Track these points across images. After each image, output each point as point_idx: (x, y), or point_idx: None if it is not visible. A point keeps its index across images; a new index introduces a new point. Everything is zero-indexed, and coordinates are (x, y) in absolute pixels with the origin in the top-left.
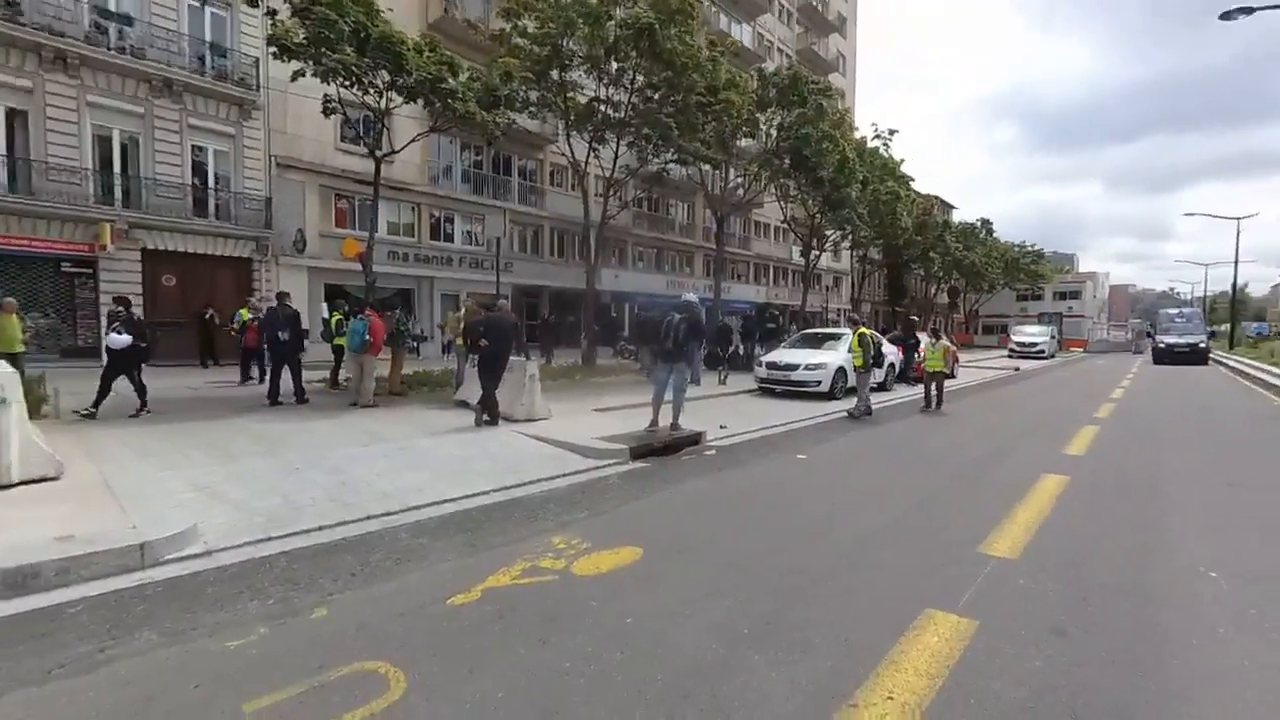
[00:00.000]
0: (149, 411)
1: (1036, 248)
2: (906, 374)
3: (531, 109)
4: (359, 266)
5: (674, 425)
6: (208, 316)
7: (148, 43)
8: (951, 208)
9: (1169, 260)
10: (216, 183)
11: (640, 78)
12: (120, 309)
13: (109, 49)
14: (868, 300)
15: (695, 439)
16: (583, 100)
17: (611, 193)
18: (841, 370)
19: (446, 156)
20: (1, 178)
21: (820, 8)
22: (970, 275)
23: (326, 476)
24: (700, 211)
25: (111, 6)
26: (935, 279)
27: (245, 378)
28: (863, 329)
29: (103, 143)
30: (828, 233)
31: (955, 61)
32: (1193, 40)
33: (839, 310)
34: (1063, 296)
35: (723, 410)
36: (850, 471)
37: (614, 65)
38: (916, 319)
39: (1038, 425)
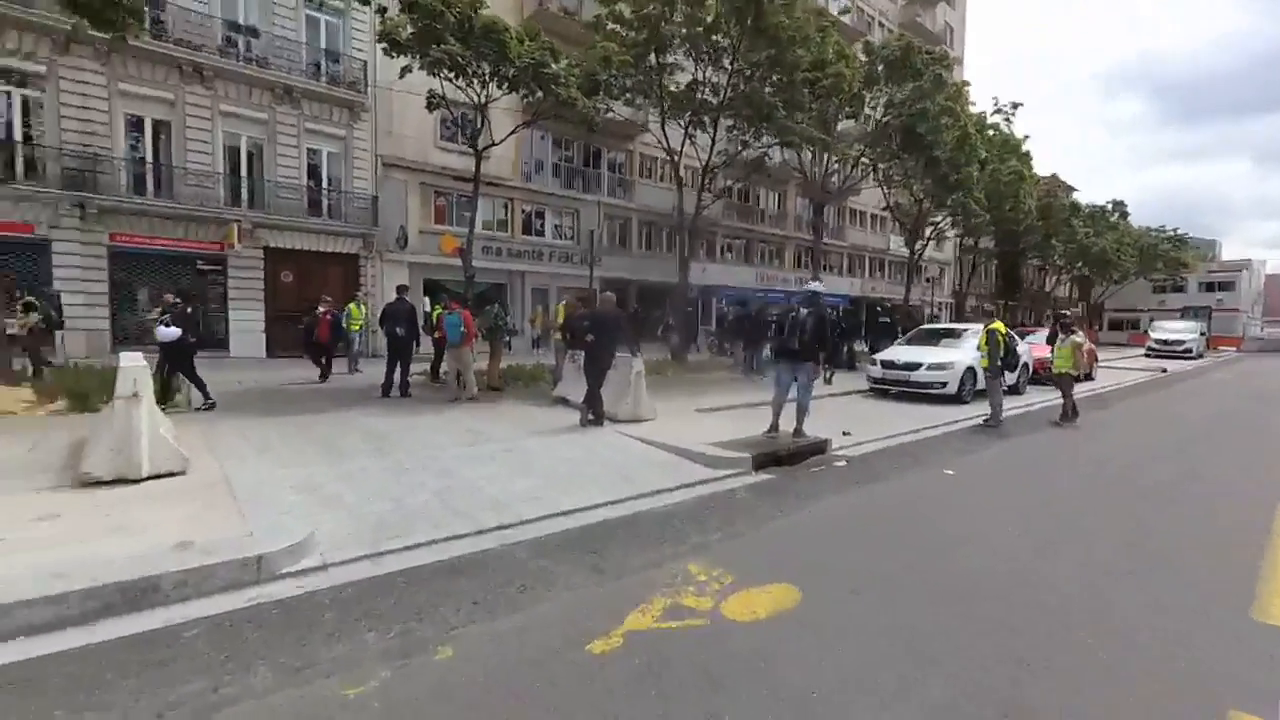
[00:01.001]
0: (213, 406)
1: (1179, 232)
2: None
3: (629, 95)
4: (456, 261)
5: (797, 431)
6: (320, 312)
7: (270, 52)
8: (1072, 189)
9: None
10: (329, 183)
11: (741, 57)
12: (177, 301)
13: (239, 60)
14: (973, 294)
15: (820, 447)
16: (679, 85)
17: (707, 181)
18: (971, 371)
19: (538, 152)
20: (149, 184)
21: None
22: (1099, 265)
23: (435, 479)
24: (792, 200)
25: (240, 20)
26: (1055, 269)
27: (323, 375)
28: (996, 324)
29: (231, 149)
30: (935, 219)
31: (1071, 29)
32: None
33: (940, 304)
34: (1210, 288)
35: (836, 413)
36: (1013, 493)
37: (714, 43)
38: (1068, 315)
39: (1227, 441)
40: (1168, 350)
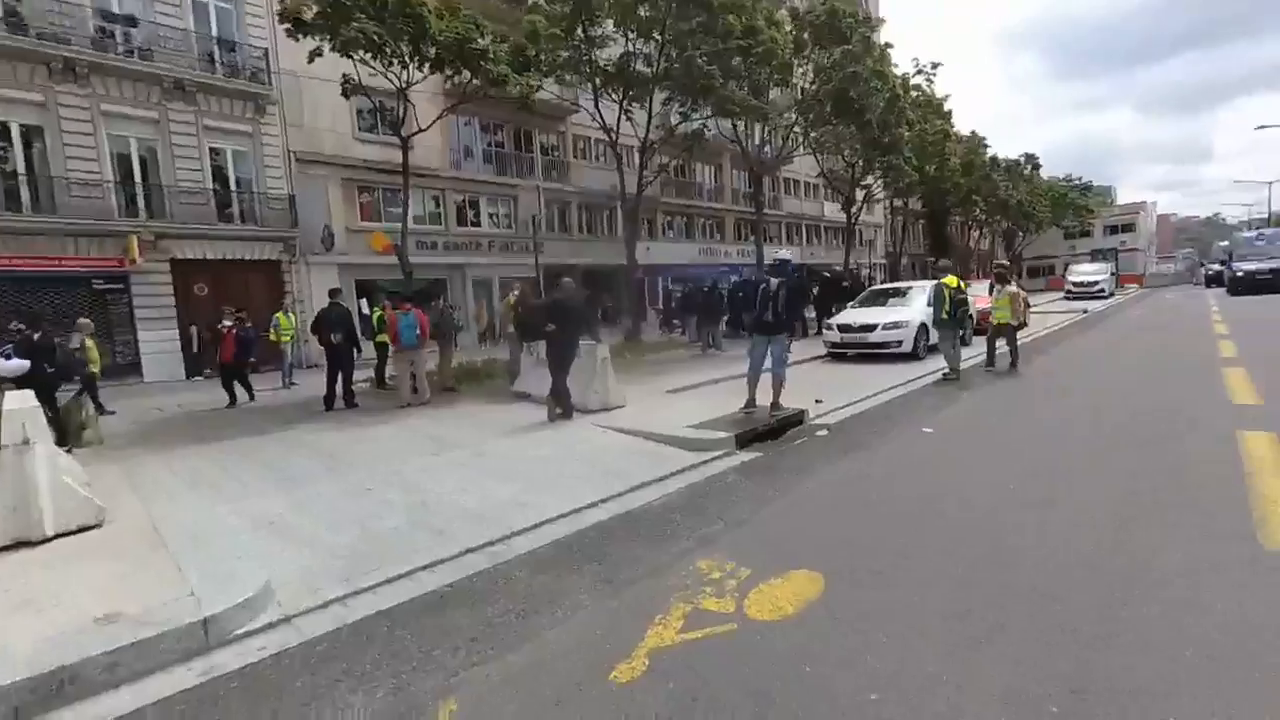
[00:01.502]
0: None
1: (1084, 180)
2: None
3: (560, 72)
4: (390, 260)
5: (775, 405)
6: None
7: (155, 44)
8: (987, 146)
9: (1209, 185)
10: (238, 185)
11: (671, 27)
12: (20, 328)
13: (117, 53)
14: (906, 254)
15: (799, 418)
16: (611, 59)
17: (646, 158)
18: (924, 327)
19: (466, 138)
20: (24, 198)
21: None
22: (1018, 216)
23: (403, 496)
24: (728, 173)
25: (114, 8)
26: (978, 224)
27: (232, 398)
28: (947, 279)
29: (121, 153)
30: (868, 182)
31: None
32: None
33: (875, 266)
34: (1114, 230)
35: (802, 381)
36: (992, 446)
37: (643, 12)
38: (1007, 265)
39: (1165, 375)
40: (1084, 291)
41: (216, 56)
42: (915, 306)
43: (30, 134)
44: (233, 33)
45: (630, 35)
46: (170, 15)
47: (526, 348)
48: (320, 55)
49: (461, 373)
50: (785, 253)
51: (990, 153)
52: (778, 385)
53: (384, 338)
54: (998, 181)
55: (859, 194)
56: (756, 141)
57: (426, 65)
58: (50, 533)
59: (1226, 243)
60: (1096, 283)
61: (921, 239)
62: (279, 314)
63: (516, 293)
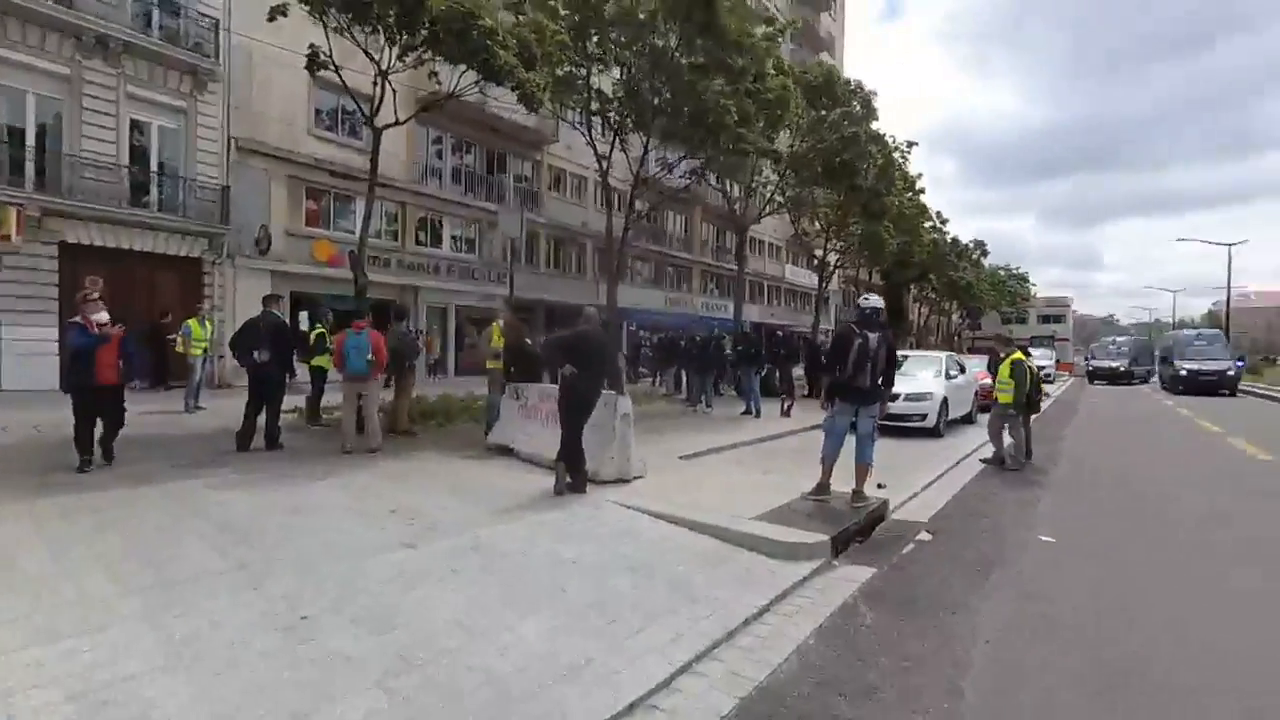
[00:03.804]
0: None
1: (1020, 270)
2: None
3: (554, 90)
4: (333, 272)
5: (858, 493)
6: (98, 326)
7: None
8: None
9: (1098, 289)
10: (161, 167)
11: (678, 56)
12: None
13: None
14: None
15: (883, 513)
16: (614, 81)
17: (638, 193)
18: (945, 401)
19: (434, 154)
20: None
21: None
22: (967, 298)
23: (367, 639)
24: (698, 224)
25: None
26: (929, 301)
27: (88, 451)
28: (1018, 353)
29: (13, 108)
30: (839, 246)
31: (895, 101)
32: (1110, 89)
33: (827, 332)
34: (1046, 320)
35: (809, 454)
36: (1155, 559)
37: (652, 42)
38: (1005, 340)
39: (1186, 450)
40: None
41: (154, 19)
42: (926, 377)
43: None
44: None
45: (634, 61)
46: None
47: (510, 389)
48: (284, 14)
49: (419, 411)
50: (876, 299)
51: (951, 234)
52: (864, 469)
53: (321, 361)
54: (955, 262)
55: (831, 259)
56: (744, 193)
57: (412, 51)
58: None
59: (1168, 341)
60: (1044, 368)
61: None
62: (191, 320)
63: (501, 322)
